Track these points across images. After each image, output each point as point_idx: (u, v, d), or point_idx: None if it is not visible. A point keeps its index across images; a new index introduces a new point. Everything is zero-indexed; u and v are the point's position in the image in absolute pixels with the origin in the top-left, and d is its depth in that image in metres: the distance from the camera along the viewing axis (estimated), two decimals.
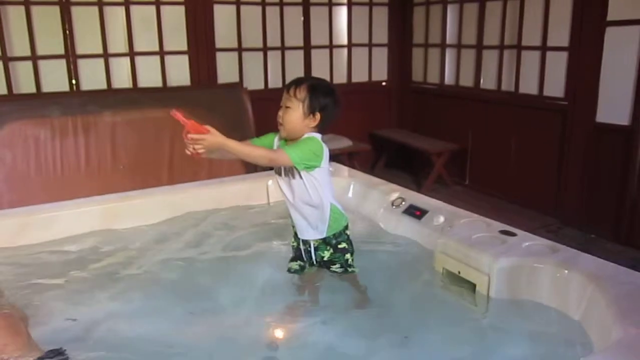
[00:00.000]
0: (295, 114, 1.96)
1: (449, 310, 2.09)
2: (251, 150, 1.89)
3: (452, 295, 2.16)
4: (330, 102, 1.99)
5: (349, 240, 2.17)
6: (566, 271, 1.93)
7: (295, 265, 2.21)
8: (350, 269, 2.17)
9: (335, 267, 2.16)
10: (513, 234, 2.22)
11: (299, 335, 1.98)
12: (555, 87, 4.32)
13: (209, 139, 1.77)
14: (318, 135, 2.00)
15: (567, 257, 2.01)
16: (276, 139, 2.07)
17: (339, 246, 2.13)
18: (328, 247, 2.13)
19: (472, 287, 2.09)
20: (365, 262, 2.26)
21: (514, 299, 2.01)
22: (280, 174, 2.06)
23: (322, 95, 1.97)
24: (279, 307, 2.12)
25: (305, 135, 1.98)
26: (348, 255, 2.16)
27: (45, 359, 1.53)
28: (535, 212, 4.51)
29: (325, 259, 2.14)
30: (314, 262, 2.17)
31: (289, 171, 2.01)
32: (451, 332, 1.90)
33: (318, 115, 1.96)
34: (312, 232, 2.11)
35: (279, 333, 2.04)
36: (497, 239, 2.19)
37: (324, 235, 2.10)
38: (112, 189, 3.01)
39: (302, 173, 1.97)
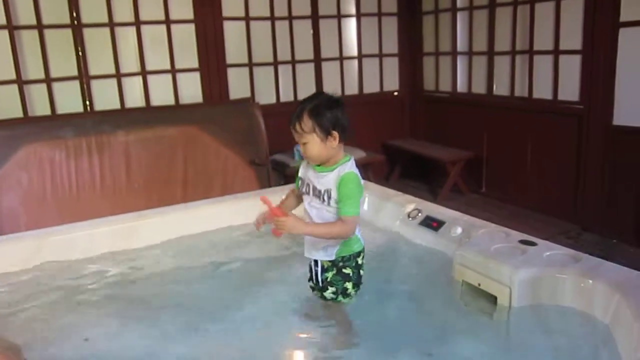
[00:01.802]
0: (314, 146, 1.89)
1: (471, 324, 2.04)
2: (330, 231, 1.91)
3: (474, 308, 2.11)
4: (338, 113, 1.89)
5: (356, 269, 2.03)
6: (590, 281, 1.88)
7: (310, 284, 2.16)
8: (340, 298, 2.03)
9: (329, 292, 2.03)
10: (533, 244, 2.17)
11: (315, 354, 1.95)
12: (570, 90, 4.26)
13: (289, 222, 1.85)
14: (352, 166, 1.94)
15: (590, 267, 1.96)
16: (304, 164, 2.06)
17: (343, 270, 2.02)
18: (333, 269, 2.03)
19: (494, 299, 2.04)
20: (383, 277, 2.22)
21: (537, 311, 1.95)
22: (308, 193, 2.01)
23: (327, 113, 1.88)
24: (294, 326, 2.08)
25: (345, 173, 1.90)
26: (348, 285, 2.02)
27: None
28: (554, 218, 4.44)
29: (328, 279, 2.04)
30: (320, 284, 2.07)
31: (323, 198, 1.95)
32: (475, 347, 1.85)
33: (335, 133, 1.88)
34: (320, 253, 2.02)
35: (295, 354, 2.01)
36: (517, 249, 2.14)
37: (332, 258, 2.01)
38: (127, 208, 3.01)
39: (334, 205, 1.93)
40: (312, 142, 1.89)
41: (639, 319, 1.63)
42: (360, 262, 2.05)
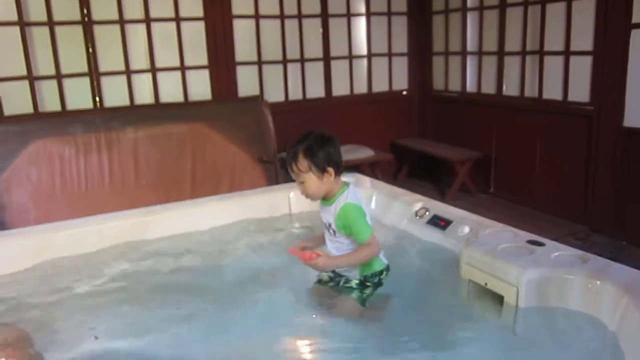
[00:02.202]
0: (312, 184, 1.97)
1: (476, 324, 2.03)
2: (357, 257, 2.00)
3: (479, 308, 2.11)
4: (331, 150, 1.97)
5: (377, 285, 2.11)
6: (598, 282, 1.86)
7: (325, 276, 2.19)
8: (354, 292, 2.10)
9: (349, 284, 2.12)
10: (541, 244, 2.16)
11: (318, 355, 1.96)
12: (580, 92, 4.23)
13: (320, 263, 1.96)
14: (351, 197, 2.00)
15: (598, 267, 1.95)
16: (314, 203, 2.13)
17: (366, 282, 2.10)
18: (357, 280, 2.11)
19: (500, 299, 2.03)
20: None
21: (544, 311, 1.94)
22: (326, 227, 2.09)
23: (321, 151, 1.94)
24: (298, 323, 2.09)
25: (340, 207, 1.98)
26: (368, 291, 2.10)
27: None
28: (562, 219, 4.41)
29: (349, 283, 2.12)
30: (340, 285, 2.14)
31: (329, 231, 2.05)
32: (479, 348, 1.84)
33: (330, 169, 1.96)
34: (343, 270, 2.12)
35: (298, 351, 2.01)
36: (524, 249, 2.13)
37: (357, 279, 2.10)
38: (136, 204, 3.03)
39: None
40: (310, 180, 1.97)
41: None
42: (384, 279, 2.12)
